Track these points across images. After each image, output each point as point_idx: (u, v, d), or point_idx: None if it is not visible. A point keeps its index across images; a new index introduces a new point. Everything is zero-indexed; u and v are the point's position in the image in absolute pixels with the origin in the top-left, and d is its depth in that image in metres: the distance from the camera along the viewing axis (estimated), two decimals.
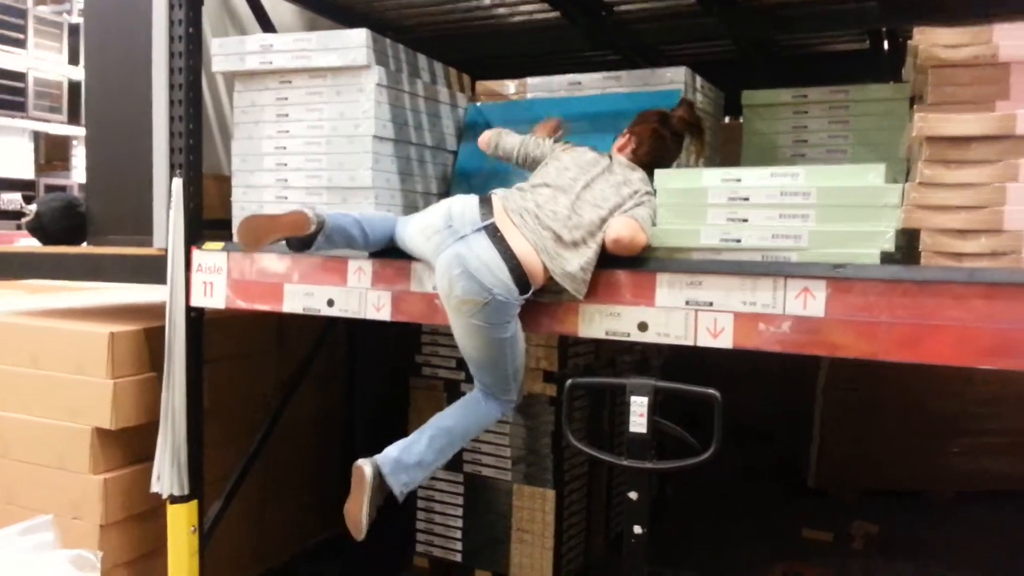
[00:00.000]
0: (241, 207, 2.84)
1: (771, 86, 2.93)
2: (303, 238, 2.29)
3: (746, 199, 2.15)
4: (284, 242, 2.35)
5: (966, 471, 4.61)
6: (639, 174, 2.42)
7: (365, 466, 2.26)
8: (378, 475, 2.27)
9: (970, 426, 4.59)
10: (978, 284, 1.86)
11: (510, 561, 3.46)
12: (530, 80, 3.06)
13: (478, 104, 3.08)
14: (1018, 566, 3.65)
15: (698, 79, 2.84)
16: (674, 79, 2.73)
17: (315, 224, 2.25)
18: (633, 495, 2.00)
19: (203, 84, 2.87)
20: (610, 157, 2.46)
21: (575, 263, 2.20)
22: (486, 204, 2.29)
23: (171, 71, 2.74)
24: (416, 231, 2.33)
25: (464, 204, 2.29)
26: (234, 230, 2.32)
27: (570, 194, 2.30)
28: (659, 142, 2.47)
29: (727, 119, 3.76)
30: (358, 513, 2.26)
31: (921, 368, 4.39)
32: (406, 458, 2.30)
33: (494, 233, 2.21)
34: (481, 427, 2.45)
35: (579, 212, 2.27)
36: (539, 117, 2.90)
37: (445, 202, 2.34)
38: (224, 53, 2.78)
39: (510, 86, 3.11)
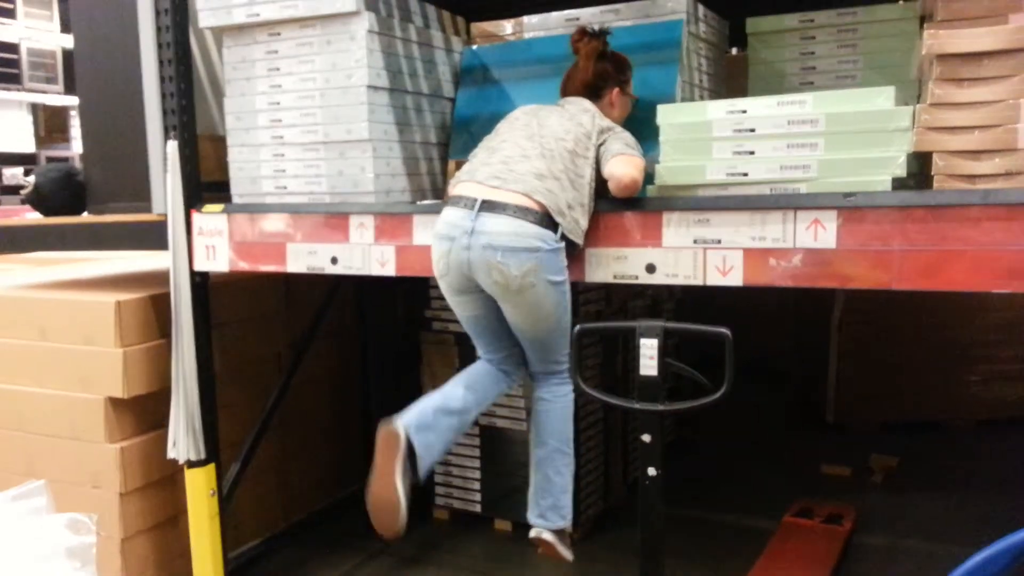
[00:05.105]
0: (239, 167, 2.80)
1: (776, 13, 2.83)
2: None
3: (752, 131, 2.09)
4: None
5: (985, 400, 4.59)
6: (587, 103, 2.42)
7: None
8: None
9: (987, 354, 4.56)
10: (993, 206, 1.79)
11: (529, 509, 3.48)
12: (526, 19, 2.96)
13: (474, 47, 3.00)
14: None
15: (700, 8, 2.74)
16: (675, 9, 2.64)
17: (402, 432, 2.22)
18: (646, 437, 1.98)
19: (192, 42, 2.81)
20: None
21: (563, 198, 2.18)
22: (457, 198, 2.27)
23: (158, 29, 2.68)
24: (441, 282, 2.34)
25: (444, 224, 2.27)
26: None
27: (533, 138, 2.29)
28: (573, 70, 2.50)
29: (733, 51, 3.66)
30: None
31: (936, 298, 4.41)
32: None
33: (491, 208, 2.19)
34: (569, 418, 2.47)
35: (547, 146, 2.25)
36: (538, 57, 2.82)
37: (433, 252, 2.31)
38: (210, 7, 2.71)
39: (506, 26, 3.02)
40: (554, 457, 2.44)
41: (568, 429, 2.47)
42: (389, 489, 2.15)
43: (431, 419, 2.28)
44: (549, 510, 2.43)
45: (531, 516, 2.47)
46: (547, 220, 2.16)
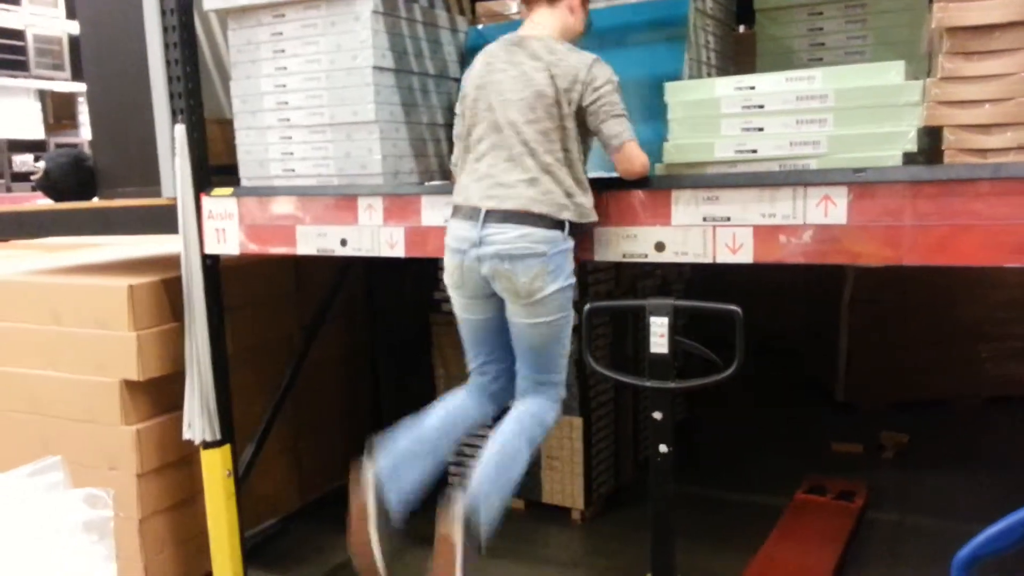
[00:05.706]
0: (246, 150, 2.80)
1: None
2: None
3: (761, 107, 2.08)
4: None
5: (995, 377, 4.58)
6: (536, 44, 2.22)
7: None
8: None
9: (997, 331, 4.56)
10: (1004, 180, 1.78)
11: (542, 488, 3.51)
12: None
13: (479, 27, 2.99)
14: None
15: None
16: None
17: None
18: (657, 415, 1.99)
19: (197, 25, 2.80)
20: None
21: (560, 190, 2.14)
22: (458, 210, 2.25)
23: (163, 13, 2.69)
24: (455, 292, 2.35)
25: (453, 237, 2.26)
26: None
27: (501, 129, 2.19)
28: None
29: (741, 28, 3.63)
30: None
31: (945, 276, 4.39)
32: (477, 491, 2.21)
33: (495, 217, 2.16)
34: (546, 430, 2.35)
35: (521, 137, 2.16)
36: None
37: (446, 264, 2.31)
38: None
39: (511, 6, 3.01)
40: (519, 456, 2.29)
41: (526, 457, 2.30)
42: (366, 551, 2.24)
43: (401, 467, 2.35)
44: (483, 501, 2.18)
45: (460, 492, 2.16)
46: (551, 221, 2.14)
